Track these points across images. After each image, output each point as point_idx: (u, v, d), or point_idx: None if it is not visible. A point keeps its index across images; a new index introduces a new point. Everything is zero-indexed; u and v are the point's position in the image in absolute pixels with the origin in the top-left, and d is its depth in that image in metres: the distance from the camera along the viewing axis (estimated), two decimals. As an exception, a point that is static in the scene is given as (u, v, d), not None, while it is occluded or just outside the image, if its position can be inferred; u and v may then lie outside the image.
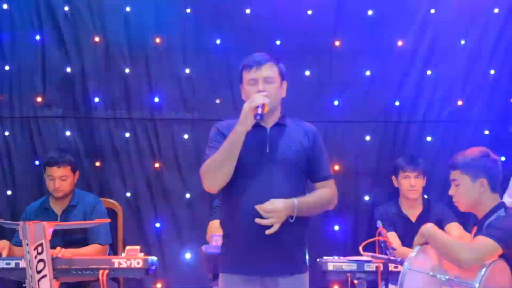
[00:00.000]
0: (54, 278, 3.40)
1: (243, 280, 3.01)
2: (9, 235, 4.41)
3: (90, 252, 4.01)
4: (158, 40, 4.75)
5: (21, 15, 4.72)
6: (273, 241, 2.94)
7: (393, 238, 4.12)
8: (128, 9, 4.73)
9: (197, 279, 4.49)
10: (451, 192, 3.12)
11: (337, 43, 4.77)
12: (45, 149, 4.66)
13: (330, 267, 3.54)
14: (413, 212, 4.40)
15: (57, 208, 4.22)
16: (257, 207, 2.90)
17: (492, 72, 4.80)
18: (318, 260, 3.58)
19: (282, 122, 3.12)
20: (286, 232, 2.94)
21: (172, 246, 4.70)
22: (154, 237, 4.70)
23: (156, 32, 4.74)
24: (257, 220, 2.90)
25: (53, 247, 3.55)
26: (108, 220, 3.99)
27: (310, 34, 4.74)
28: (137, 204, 4.72)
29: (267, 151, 3.03)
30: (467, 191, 3.04)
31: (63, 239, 4.01)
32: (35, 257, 3.31)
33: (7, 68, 4.72)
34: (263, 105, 2.92)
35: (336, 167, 4.68)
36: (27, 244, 3.32)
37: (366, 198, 4.76)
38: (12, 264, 3.57)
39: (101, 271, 3.44)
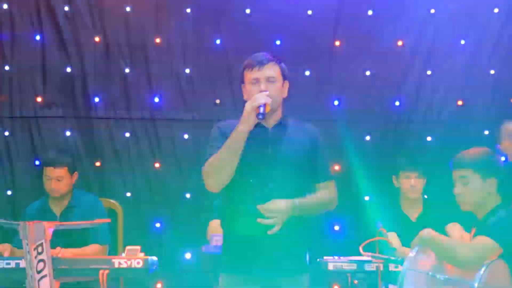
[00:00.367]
0: (54, 278, 3.40)
1: (243, 280, 3.01)
2: (10, 236, 4.42)
3: (90, 252, 4.01)
4: (158, 40, 4.75)
5: (21, 15, 4.72)
6: (274, 241, 2.94)
7: (393, 238, 4.12)
8: (128, 9, 4.74)
9: (197, 279, 4.50)
10: (458, 190, 3.05)
11: (337, 43, 4.77)
12: (45, 149, 4.65)
13: (330, 267, 3.53)
14: (413, 212, 4.40)
15: (56, 208, 4.21)
16: (259, 207, 2.90)
17: (492, 72, 4.81)
18: (318, 260, 3.58)
19: (284, 122, 3.12)
20: (287, 232, 2.94)
21: (172, 246, 4.70)
22: (154, 237, 4.70)
23: (156, 32, 4.74)
24: (259, 220, 2.90)
25: (53, 247, 3.55)
26: (108, 220, 3.99)
27: (310, 34, 4.74)
28: (137, 204, 4.73)
29: (269, 151, 3.03)
30: (476, 191, 3.02)
31: (62, 239, 4.01)
32: (35, 257, 3.31)
33: (7, 68, 4.72)
34: (265, 105, 2.92)
35: (336, 167, 4.68)
36: (27, 244, 3.32)
37: (366, 198, 4.76)
38: (12, 264, 3.56)
39: (101, 271, 3.43)
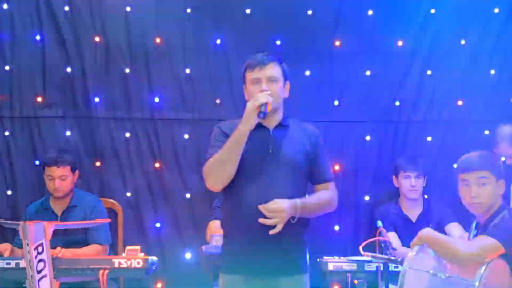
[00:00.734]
0: (54, 278, 3.40)
1: (243, 281, 3.01)
2: (10, 236, 4.42)
3: (90, 252, 4.01)
4: (158, 40, 4.75)
5: (21, 15, 4.72)
6: (274, 241, 2.94)
7: (393, 238, 4.13)
8: (128, 9, 4.74)
9: (197, 279, 4.49)
10: (475, 192, 3.01)
11: (337, 43, 4.77)
12: (45, 149, 4.65)
13: (330, 267, 3.54)
14: (413, 212, 4.41)
15: (57, 208, 4.22)
16: (261, 207, 2.90)
17: (492, 72, 4.81)
18: (318, 260, 3.58)
19: (285, 123, 3.13)
20: (287, 232, 2.95)
21: (172, 246, 4.70)
22: (154, 237, 4.70)
23: (156, 32, 4.74)
24: (261, 220, 2.90)
25: (53, 247, 3.55)
26: (108, 220, 3.99)
27: (310, 34, 4.74)
28: (137, 204, 4.72)
29: (270, 151, 3.03)
30: (493, 193, 3.02)
31: (63, 239, 4.01)
32: (35, 257, 3.31)
33: (7, 68, 4.72)
34: (266, 104, 2.93)
35: (336, 167, 4.68)
36: (27, 244, 3.32)
37: (366, 198, 4.76)
38: (12, 264, 3.57)
39: (101, 271, 3.44)
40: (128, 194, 4.72)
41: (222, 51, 4.74)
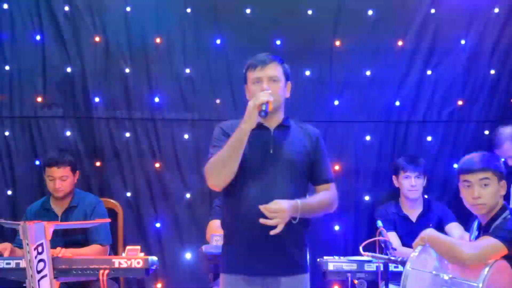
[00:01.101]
0: (54, 278, 3.41)
1: (244, 280, 3.01)
2: (10, 236, 4.42)
3: (91, 252, 4.01)
4: (158, 40, 4.75)
5: (21, 15, 4.72)
6: (275, 241, 2.95)
7: (393, 238, 4.13)
8: (128, 9, 4.74)
9: (197, 279, 4.50)
10: (478, 193, 3.01)
11: (337, 43, 4.77)
12: (45, 149, 4.66)
13: (330, 267, 3.54)
14: (413, 212, 4.41)
15: (58, 208, 4.22)
16: (262, 207, 2.90)
17: (492, 72, 4.80)
18: (318, 260, 3.58)
19: (286, 123, 3.14)
20: (287, 232, 2.95)
21: (172, 246, 4.70)
22: (154, 237, 4.70)
23: (156, 32, 4.74)
24: (262, 220, 2.90)
25: (53, 247, 3.56)
26: (108, 220, 3.99)
27: (310, 34, 4.74)
28: (137, 204, 4.72)
29: (271, 152, 3.04)
30: (495, 193, 3.03)
31: (63, 239, 4.02)
32: (36, 257, 3.31)
33: (7, 68, 4.72)
34: (268, 103, 2.93)
35: (336, 167, 4.68)
36: (28, 244, 3.33)
37: (366, 198, 4.76)
38: (13, 264, 3.57)
39: (101, 271, 3.44)
40: (128, 194, 4.72)
41: (222, 51, 4.74)
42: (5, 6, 4.72)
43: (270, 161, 3.02)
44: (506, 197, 3.21)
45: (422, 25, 4.79)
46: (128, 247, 3.59)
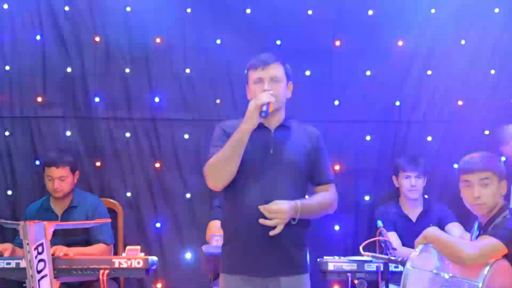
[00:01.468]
0: (54, 278, 3.41)
1: (244, 281, 3.01)
2: (10, 236, 4.42)
3: (96, 251, 4.01)
4: (158, 40, 4.75)
5: (21, 15, 4.72)
6: (275, 241, 2.95)
7: (393, 238, 4.13)
8: (128, 9, 4.74)
9: (197, 279, 4.49)
10: (477, 193, 3.02)
11: (337, 43, 4.77)
12: (45, 149, 4.65)
13: (330, 267, 3.54)
14: (413, 212, 4.41)
15: (58, 208, 4.22)
16: (261, 207, 2.90)
17: (492, 72, 4.80)
18: (318, 260, 3.59)
19: (286, 124, 3.14)
20: (287, 233, 2.95)
21: (172, 246, 4.70)
22: (154, 237, 4.70)
23: (156, 32, 4.74)
24: (261, 221, 2.90)
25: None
26: (109, 220, 3.99)
27: (310, 34, 4.74)
28: (137, 204, 4.72)
29: (271, 152, 3.04)
30: (495, 193, 3.03)
31: (64, 239, 4.01)
32: (36, 257, 3.31)
33: (7, 68, 4.72)
34: (269, 103, 2.93)
35: (336, 167, 4.68)
36: (27, 244, 3.33)
37: (366, 198, 4.76)
38: (13, 264, 3.57)
39: (101, 271, 3.44)
40: (128, 194, 4.72)
41: (222, 51, 4.74)
42: (5, 6, 4.72)
43: (270, 162, 3.02)
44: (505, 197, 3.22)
45: (422, 25, 4.79)
46: (128, 247, 3.59)
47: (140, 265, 3.46)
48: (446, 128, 4.80)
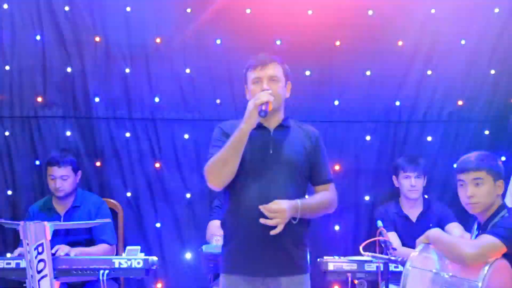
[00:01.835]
0: (54, 278, 3.41)
1: (244, 281, 3.01)
2: (10, 236, 4.43)
3: (98, 251, 4.01)
4: (158, 40, 4.75)
5: (21, 15, 4.72)
6: (275, 241, 2.95)
7: (393, 238, 4.13)
8: (128, 9, 4.73)
9: (197, 279, 4.50)
10: (471, 192, 3.04)
11: (337, 43, 4.77)
12: (45, 149, 4.66)
13: (330, 267, 3.54)
14: (413, 212, 4.41)
15: (60, 208, 4.23)
16: (262, 207, 2.90)
17: (492, 72, 4.80)
18: (318, 260, 3.59)
19: (285, 124, 3.14)
20: (287, 233, 2.95)
21: (172, 246, 4.70)
22: (154, 237, 4.70)
23: (156, 32, 4.74)
24: (262, 220, 2.90)
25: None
26: (109, 220, 4.00)
27: (310, 34, 4.73)
28: (137, 204, 4.72)
29: (270, 152, 3.04)
30: (489, 193, 3.04)
31: (66, 239, 4.02)
32: (36, 257, 3.31)
33: (7, 68, 4.72)
34: (267, 103, 2.93)
35: (336, 167, 4.68)
36: (27, 244, 3.33)
37: (366, 198, 4.76)
38: (13, 264, 3.57)
39: (101, 271, 3.45)
40: (128, 194, 4.72)
41: (222, 51, 4.74)
42: (5, 6, 4.71)
43: (270, 161, 3.03)
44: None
45: (422, 25, 4.79)
46: (128, 247, 3.59)
47: (140, 265, 3.46)
48: (446, 128, 4.80)
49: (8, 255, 4.20)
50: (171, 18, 4.75)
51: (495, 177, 3.05)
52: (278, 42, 4.73)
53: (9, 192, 4.69)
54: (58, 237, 3.96)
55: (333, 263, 3.54)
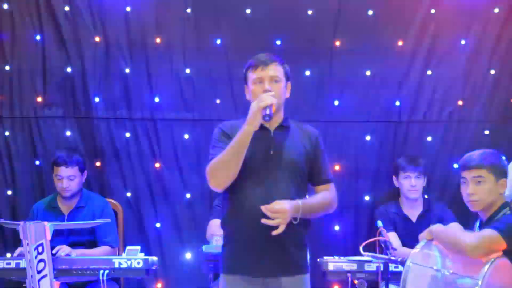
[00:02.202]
0: (54, 278, 3.41)
1: (244, 281, 3.01)
2: (10, 236, 4.43)
3: (101, 254, 4.01)
4: (158, 40, 4.75)
5: (21, 15, 4.72)
6: (275, 241, 2.94)
7: (393, 238, 4.13)
8: (128, 9, 4.74)
9: (197, 279, 4.49)
10: (471, 190, 3.04)
11: (337, 43, 4.77)
12: (45, 149, 4.66)
13: (330, 267, 3.54)
14: (413, 212, 4.41)
15: (65, 208, 4.23)
16: (264, 207, 2.90)
17: (492, 72, 4.80)
18: (318, 260, 3.58)
19: (286, 124, 3.14)
20: (288, 233, 2.94)
21: (172, 246, 4.70)
22: (154, 237, 4.70)
23: (156, 32, 4.74)
24: (263, 220, 2.89)
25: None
26: (108, 220, 3.99)
27: (310, 34, 4.74)
28: (137, 204, 4.72)
29: (271, 152, 3.04)
30: (490, 191, 3.04)
31: (68, 239, 4.02)
32: (36, 257, 3.31)
33: (7, 68, 4.72)
34: (271, 106, 2.93)
35: (336, 167, 4.68)
36: (27, 244, 3.33)
37: (366, 198, 4.76)
38: (12, 264, 3.57)
39: (101, 271, 3.44)
40: (128, 194, 4.72)
41: (222, 51, 4.74)
42: (5, 6, 4.72)
43: (270, 162, 3.02)
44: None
45: (422, 25, 4.79)
46: (128, 247, 3.59)
47: (140, 265, 3.46)
48: (446, 128, 4.80)
49: (8, 255, 4.20)
50: (171, 18, 4.75)
51: (497, 175, 3.05)
52: (278, 42, 4.73)
53: (9, 192, 4.69)
54: (61, 237, 3.96)
55: (333, 263, 3.54)
